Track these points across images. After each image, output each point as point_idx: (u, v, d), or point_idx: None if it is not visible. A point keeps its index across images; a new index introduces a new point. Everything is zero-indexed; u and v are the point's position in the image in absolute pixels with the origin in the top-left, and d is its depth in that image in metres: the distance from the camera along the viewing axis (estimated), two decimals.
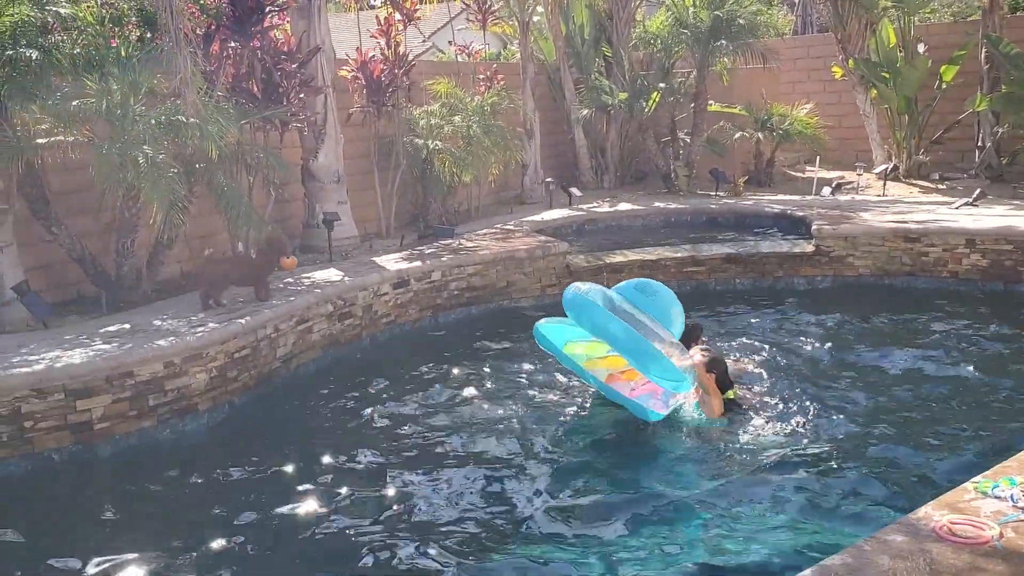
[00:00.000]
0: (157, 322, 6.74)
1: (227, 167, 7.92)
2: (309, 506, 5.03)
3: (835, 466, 5.21)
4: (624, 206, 12.64)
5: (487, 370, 7.27)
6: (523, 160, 13.42)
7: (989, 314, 8.25)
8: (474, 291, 9.22)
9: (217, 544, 4.62)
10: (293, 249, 8.51)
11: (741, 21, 13.04)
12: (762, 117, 14.19)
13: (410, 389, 6.89)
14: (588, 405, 6.38)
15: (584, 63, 15.00)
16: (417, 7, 11.38)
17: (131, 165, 6.50)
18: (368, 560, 4.44)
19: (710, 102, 14.05)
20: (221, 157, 7.56)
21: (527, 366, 7.20)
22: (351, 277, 8.28)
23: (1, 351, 6.03)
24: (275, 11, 8.99)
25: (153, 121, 6.89)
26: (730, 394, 5.94)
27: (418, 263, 8.89)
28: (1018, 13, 15.94)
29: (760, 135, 14.26)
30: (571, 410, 6.33)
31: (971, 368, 6.84)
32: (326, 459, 5.67)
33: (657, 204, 12.74)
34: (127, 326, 6.65)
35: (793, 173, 15.81)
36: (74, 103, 6.65)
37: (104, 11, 7.95)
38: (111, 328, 6.60)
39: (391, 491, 5.21)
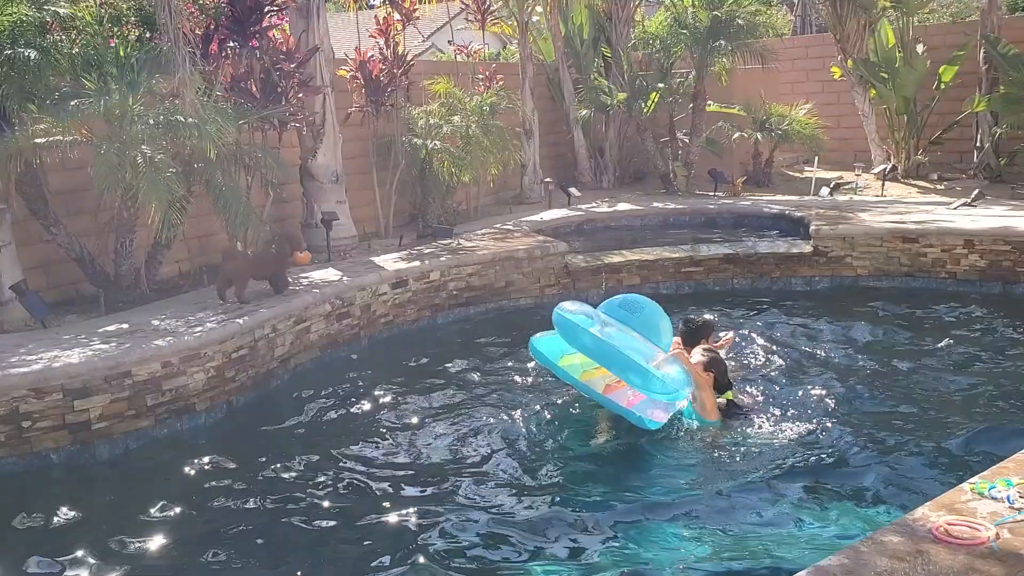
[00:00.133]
0: (155, 322, 6.75)
1: (225, 167, 7.91)
2: (308, 506, 5.03)
3: (832, 467, 5.21)
4: (623, 206, 12.64)
5: (485, 370, 7.27)
6: (522, 160, 13.39)
7: (987, 315, 8.25)
8: (473, 291, 9.22)
9: (215, 544, 4.61)
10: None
11: (740, 21, 13.02)
12: (761, 117, 14.17)
13: (408, 390, 6.89)
14: (586, 407, 6.37)
15: (583, 63, 14.99)
16: (416, 7, 11.38)
17: (129, 165, 6.51)
18: (368, 560, 4.44)
19: (709, 102, 14.04)
20: (219, 157, 7.55)
21: (525, 366, 7.20)
22: (349, 277, 8.28)
23: None
24: (274, 11, 8.98)
25: (151, 121, 6.89)
26: (728, 395, 5.94)
27: (416, 263, 8.90)
28: (1016, 14, 15.97)
29: (759, 135, 14.25)
30: (569, 412, 6.32)
31: (968, 369, 6.84)
32: (324, 459, 5.68)
33: (656, 204, 12.74)
34: (125, 326, 6.65)
35: (792, 173, 15.82)
36: (72, 103, 6.65)
37: (103, 11, 7.95)
38: (109, 328, 6.61)
39: (390, 491, 5.22)
